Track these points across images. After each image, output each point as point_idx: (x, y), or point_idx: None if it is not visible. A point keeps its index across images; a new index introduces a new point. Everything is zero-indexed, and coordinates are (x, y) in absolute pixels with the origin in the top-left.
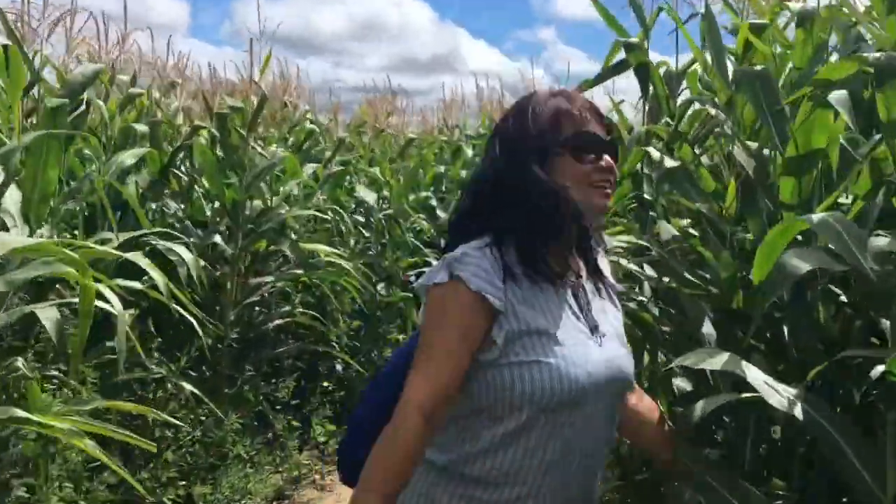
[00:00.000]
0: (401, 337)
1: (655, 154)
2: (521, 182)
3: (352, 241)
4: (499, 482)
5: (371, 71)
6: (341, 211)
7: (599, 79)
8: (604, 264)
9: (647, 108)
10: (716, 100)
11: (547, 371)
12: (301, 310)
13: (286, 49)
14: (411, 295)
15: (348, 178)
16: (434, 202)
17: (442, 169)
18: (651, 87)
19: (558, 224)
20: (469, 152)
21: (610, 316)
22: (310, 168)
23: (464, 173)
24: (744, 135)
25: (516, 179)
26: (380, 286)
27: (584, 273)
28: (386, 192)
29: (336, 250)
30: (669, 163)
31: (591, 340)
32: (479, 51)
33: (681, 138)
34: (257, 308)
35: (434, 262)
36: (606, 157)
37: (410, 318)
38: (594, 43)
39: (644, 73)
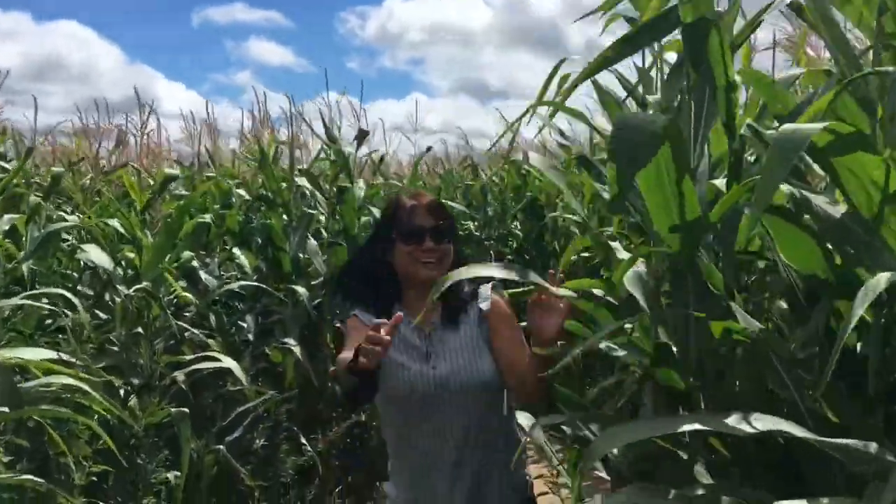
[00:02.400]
0: (171, 476)
1: None
2: (373, 261)
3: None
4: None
5: (54, 112)
6: (62, 291)
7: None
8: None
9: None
10: None
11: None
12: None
13: None
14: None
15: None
16: (196, 262)
17: (208, 218)
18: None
19: (394, 290)
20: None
21: (451, 344)
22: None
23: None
24: None
25: (371, 259)
26: (132, 400)
27: (439, 318)
28: (131, 254)
29: (61, 354)
30: None
31: (421, 366)
32: (176, 92)
33: None
34: None
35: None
36: (428, 240)
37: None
38: (290, 86)
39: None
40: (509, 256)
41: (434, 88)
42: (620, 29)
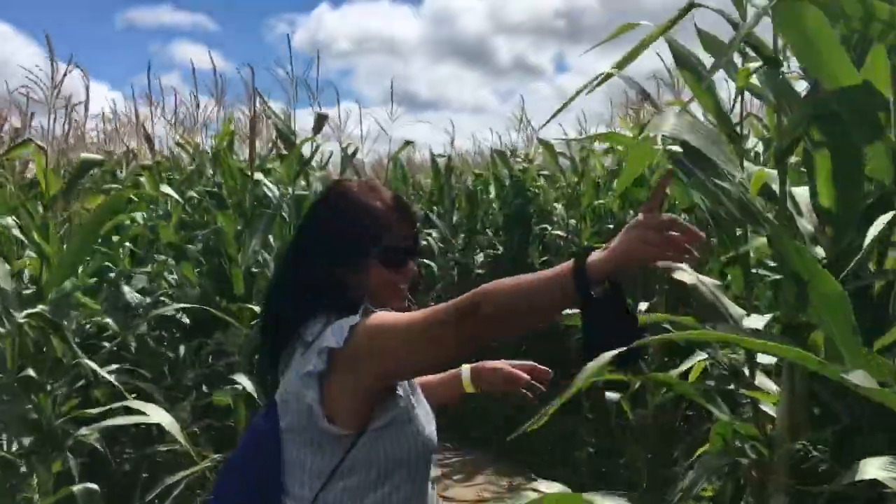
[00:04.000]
0: None
1: None
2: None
3: None
4: None
5: None
6: None
7: None
8: None
9: None
10: None
11: (414, 434)
12: None
13: None
14: None
15: None
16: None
17: (139, 219)
18: None
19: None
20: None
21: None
22: None
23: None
24: None
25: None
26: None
27: None
28: (28, 270)
29: None
30: None
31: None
32: (100, 93)
33: None
34: None
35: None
36: (412, 264)
37: None
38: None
39: None
40: (478, 271)
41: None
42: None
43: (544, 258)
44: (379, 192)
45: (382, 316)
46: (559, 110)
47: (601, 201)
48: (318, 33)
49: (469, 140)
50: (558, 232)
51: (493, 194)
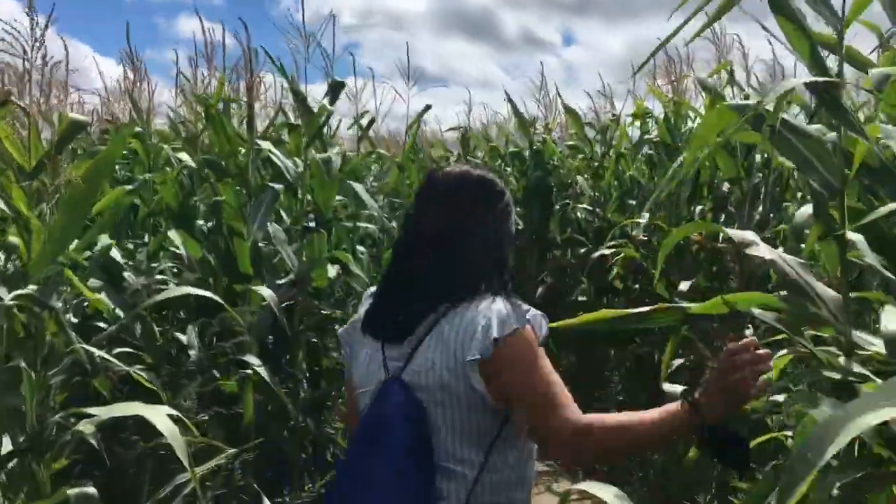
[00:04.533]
0: None
1: None
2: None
3: None
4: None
5: None
6: None
7: None
8: None
9: None
10: None
11: None
12: None
13: None
14: None
15: None
16: (118, 253)
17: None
18: None
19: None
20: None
21: None
22: None
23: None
24: None
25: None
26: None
27: None
28: (16, 239)
29: None
30: None
31: None
32: (108, 68)
33: None
34: None
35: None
36: None
37: None
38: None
39: None
40: None
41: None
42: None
43: (566, 234)
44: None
45: (541, 361)
46: (652, 55)
47: (630, 173)
48: (322, 8)
49: (479, 114)
50: (584, 205)
51: (511, 166)
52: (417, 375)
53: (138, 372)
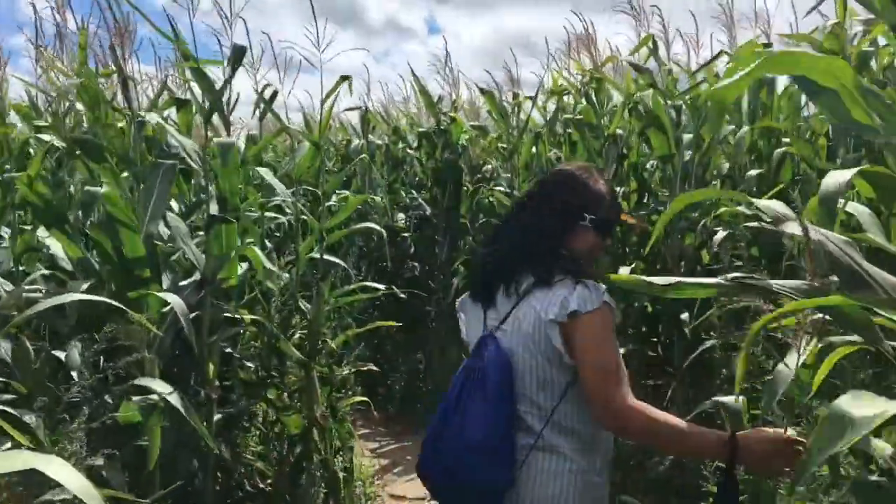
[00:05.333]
0: None
1: None
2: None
3: None
4: (606, 458)
5: None
6: None
7: None
8: None
9: None
10: None
11: None
12: None
13: None
14: None
15: None
16: None
17: None
18: None
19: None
20: None
21: None
22: None
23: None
24: None
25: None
26: None
27: None
28: None
29: None
30: None
31: None
32: None
33: None
34: None
35: None
36: (609, 237)
37: None
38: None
39: None
40: (404, 234)
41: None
42: None
43: (480, 219)
44: (596, 175)
45: (610, 341)
46: None
47: (548, 154)
48: None
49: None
50: (501, 188)
51: (419, 148)
52: (508, 332)
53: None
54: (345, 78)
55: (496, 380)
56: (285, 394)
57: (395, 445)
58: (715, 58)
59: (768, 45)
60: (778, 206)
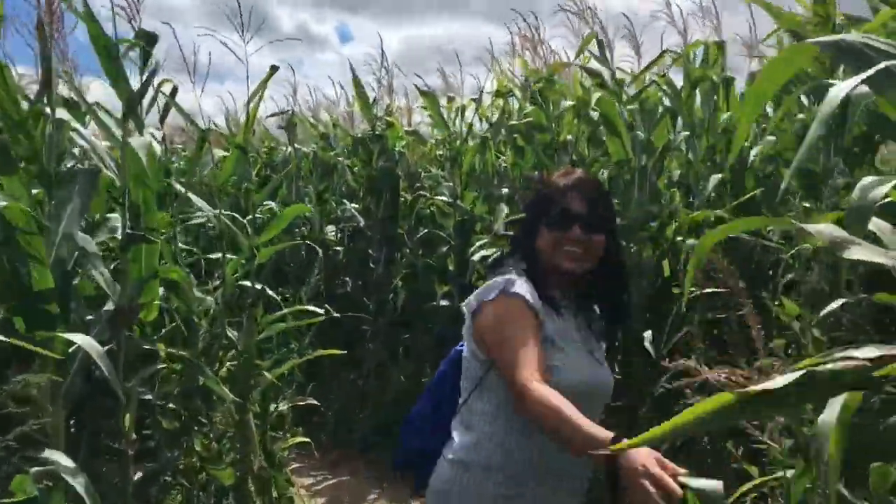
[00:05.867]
0: None
1: None
2: (522, 242)
3: None
4: (512, 468)
5: None
6: None
7: None
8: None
9: None
10: None
11: (554, 372)
12: None
13: None
14: None
15: None
16: None
17: None
18: None
19: (538, 275)
20: None
21: (601, 346)
22: None
23: None
24: None
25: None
26: None
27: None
28: None
29: None
30: None
31: (589, 358)
32: None
33: None
34: None
35: None
36: (577, 229)
37: None
38: None
39: None
40: (336, 248)
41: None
42: None
43: (420, 232)
44: (566, 173)
45: (507, 329)
46: None
47: (493, 160)
48: None
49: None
50: (443, 197)
51: (353, 155)
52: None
53: None
54: (275, 68)
55: (440, 369)
56: (213, 441)
57: (333, 481)
58: (658, 58)
59: (720, 43)
60: (833, 230)
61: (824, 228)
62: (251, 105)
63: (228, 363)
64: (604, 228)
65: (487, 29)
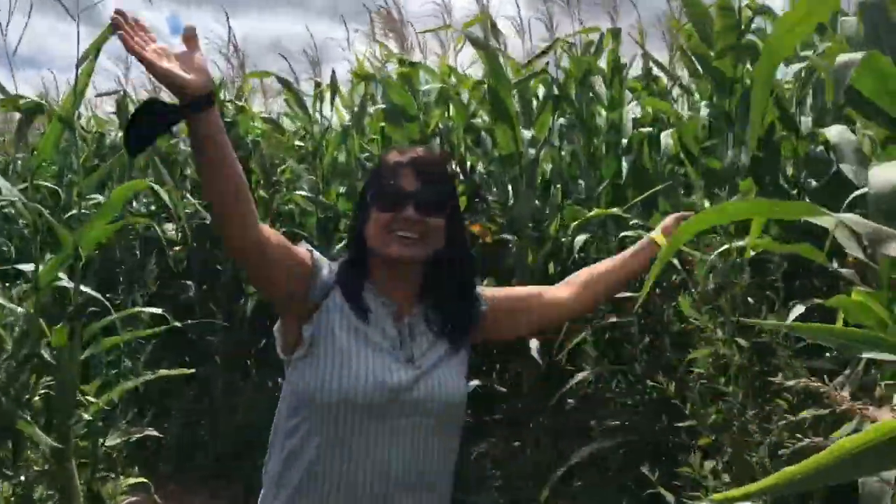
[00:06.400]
0: None
1: None
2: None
3: None
4: (301, 487)
5: None
6: None
7: None
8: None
9: None
10: None
11: (324, 372)
12: None
13: None
14: None
15: None
16: None
17: None
18: None
19: (363, 265)
20: None
21: (440, 352)
22: None
23: None
24: None
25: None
26: None
27: (417, 312)
28: None
29: None
30: None
31: (397, 364)
32: None
33: None
34: None
35: None
36: (410, 209)
37: None
38: None
39: None
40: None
41: None
42: None
43: (278, 230)
44: (398, 150)
45: None
46: None
47: (358, 152)
48: None
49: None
50: (303, 192)
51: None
52: None
53: None
54: (115, 27)
55: None
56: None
57: None
58: (551, 46)
59: (616, 30)
60: (868, 224)
61: (872, 225)
62: (80, 68)
63: (44, 389)
64: (443, 211)
65: (324, 27)
